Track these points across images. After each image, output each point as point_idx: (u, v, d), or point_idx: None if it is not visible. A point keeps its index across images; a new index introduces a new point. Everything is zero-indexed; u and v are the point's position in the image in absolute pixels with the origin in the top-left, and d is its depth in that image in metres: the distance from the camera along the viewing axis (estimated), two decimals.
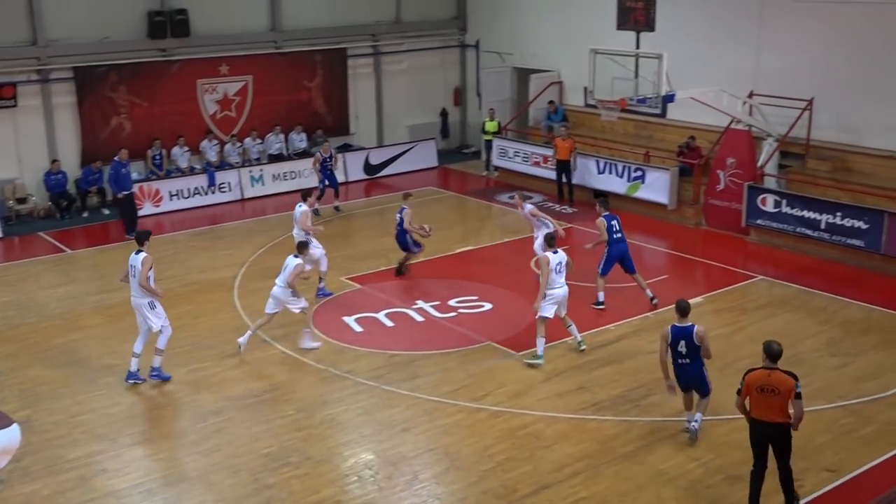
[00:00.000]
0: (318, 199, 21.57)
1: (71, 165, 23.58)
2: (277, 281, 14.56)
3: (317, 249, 16.86)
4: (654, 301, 16.40)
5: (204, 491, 11.04)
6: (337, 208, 23.25)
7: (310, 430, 12.36)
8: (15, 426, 12.33)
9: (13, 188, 22.97)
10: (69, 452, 11.91)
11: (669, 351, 11.42)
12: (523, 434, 12.13)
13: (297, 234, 16.88)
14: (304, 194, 17.50)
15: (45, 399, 13.37)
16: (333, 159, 23.31)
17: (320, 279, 17.16)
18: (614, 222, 16.35)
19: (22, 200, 23.02)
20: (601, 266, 16.36)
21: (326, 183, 23.13)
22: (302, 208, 17.06)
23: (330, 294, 17.16)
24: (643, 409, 12.72)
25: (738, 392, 10.00)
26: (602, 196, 17.65)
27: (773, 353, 9.89)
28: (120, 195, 21.22)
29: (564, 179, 23.51)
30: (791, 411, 9.79)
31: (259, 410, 12.92)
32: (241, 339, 14.69)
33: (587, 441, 11.91)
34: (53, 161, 23.14)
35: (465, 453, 11.70)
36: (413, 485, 11.09)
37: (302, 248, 14.87)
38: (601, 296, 16.46)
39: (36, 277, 18.92)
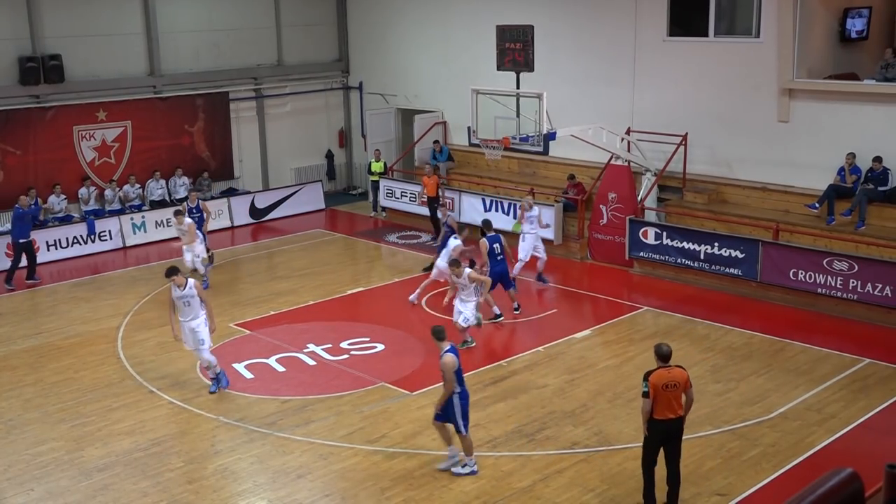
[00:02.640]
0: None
1: None
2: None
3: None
4: (517, 310, 17.81)
5: None
6: (210, 258, 21.24)
7: (201, 482, 12.02)
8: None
9: None
10: None
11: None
12: (420, 474, 12.07)
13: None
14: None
15: None
16: (203, 210, 21.46)
17: None
18: (496, 245, 17.04)
19: None
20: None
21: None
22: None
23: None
24: (538, 443, 12.83)
25: (645, 394, 10.41)
26: (485, 220, 18.37)
27: (663, 354, 10.61)
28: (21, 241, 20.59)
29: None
30: (683, 401, 10.56)
31: (147, 464, 12.50)
32: None
33: (484, 478, 11.92)
34: None
35: (361, 497, 11.57)
36: None
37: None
38: (496, 309, 17.34)
39: None
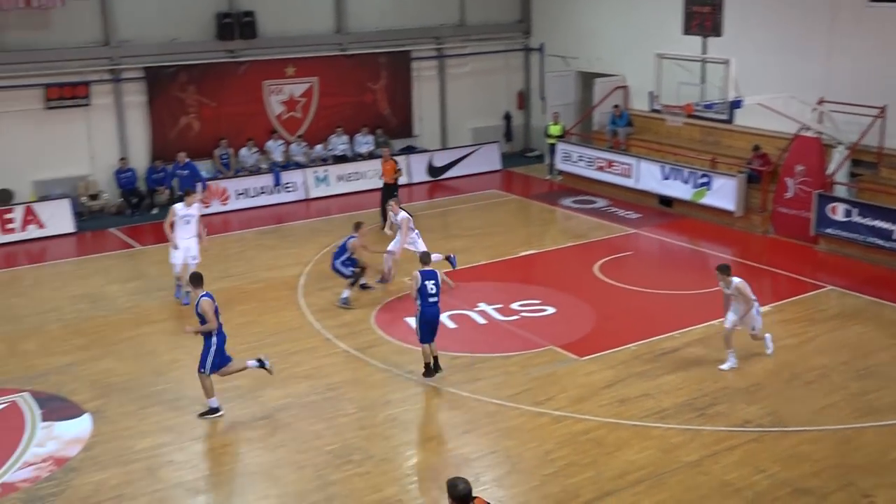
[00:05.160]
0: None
1: (141, 163, 24.06)
2: None
3: None
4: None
5: (268, 485, 11.17)
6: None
7: (372, 429, 12.44)
8: (86, 416, 12.68)
9: (86, 185, 23.52)
10: (137, 443, 12.14)
11: None
12: (585, 440, 12.07)
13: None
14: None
15: (116, 391, 13.65)
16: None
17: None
18: (430, 282, 13.52)
19: (94, 197, 23.56)
20: (418, 334, 13.77)
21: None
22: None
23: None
24: (709, 418, 12.56)
25: None
26: (423, 253, 14.70)
27: (457, 496, 7.76)
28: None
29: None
30: None
31: (322, 408, 13.03)
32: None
33: (650, 449, 11.79)
34: (121, 159, 23.64)
35: (526, 457, 11.68)
36: (475, 486, 11.04)
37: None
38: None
39: (106, 272, 19.33)
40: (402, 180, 24.46)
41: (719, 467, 11.32)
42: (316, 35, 26.17)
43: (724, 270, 14.05)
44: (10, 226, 21.53)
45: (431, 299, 13.48)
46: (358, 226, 17.08)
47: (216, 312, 12.52)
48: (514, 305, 16.71)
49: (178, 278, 17.11)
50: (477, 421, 12.62)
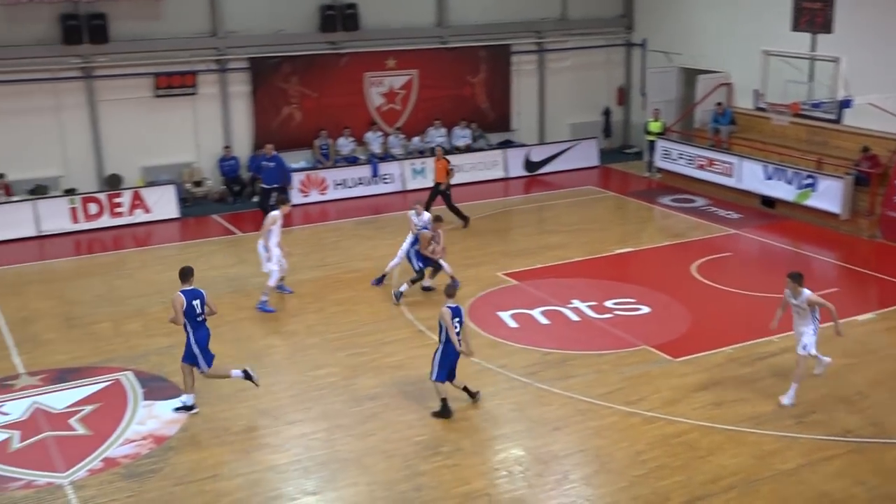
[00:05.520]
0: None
1: (244, 152, 24.60)
2: None
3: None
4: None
5: (357, 473, 11.32)
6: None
7: (463, 422, 12.48)
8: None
9: (190, 172, 24.18)
10: (234, 425, 12.44)
11: None
12: (677, 442, 11.88)
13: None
14: None
15: None
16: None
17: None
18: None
19: (198, 183, 24.20)
20: (436, 372, 12.69)
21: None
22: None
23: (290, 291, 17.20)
24: (807, 425, 12.22)
25: None
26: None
27: None
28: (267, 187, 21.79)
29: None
30: None
31: (414, 398, 13.13)
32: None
33: (744, 454, 11.55)
34: (225, 147, 24.22)
35: (616, 457, 11.57)
36: (562, 484, 11.04)
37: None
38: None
39: (208, 257, 19.84)
40: (498, 174, 24.49)
41: (816, 477, 11.02)
42: (417, 28, 26.34)
43: (797, 279, 12.65)
44: (118, 209, 22.29)
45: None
46: (437, 219, 17.16)
47: (186, 311, 12.39)
48: (609, 303, 16.55)
49: (282, 279, 17.12)
50: (567, 418, 12.55)
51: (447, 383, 12.64)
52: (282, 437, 12.21)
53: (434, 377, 12.56)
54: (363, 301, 16.97)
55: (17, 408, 12.99)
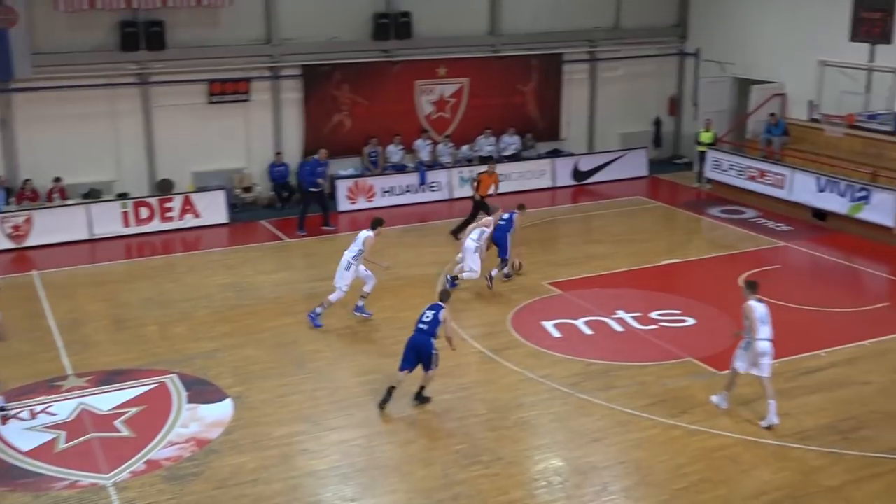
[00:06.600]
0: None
1: (293, 159, 24.83)
2: None
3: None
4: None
5: (397, 480, 11.36)
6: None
7: (502, 431, 12.46)
8: (228, 401, 13.19)
9: (241, 177, 24.46)
10: (275, 430, 12.54)
11: None
12: (720, 456, 11.74)
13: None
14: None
15: (257, 378, 14.14)
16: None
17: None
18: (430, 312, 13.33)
19: (248, 189, 24.46)
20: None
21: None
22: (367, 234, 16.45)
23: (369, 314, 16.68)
24: (853, 442, 11.99)
25: None
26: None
27: None
28: (312, 190, 22.10)
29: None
30: None
31: (454, 407, 13.13)
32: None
33: (788, 470, 11.36)
34: (277, 153, 24.48)
35: (657, 469, 11.45)
36: (601, 496, 10.96)
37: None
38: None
39: (255, 262, 20.05)
40: (546, 183, 24.39)
41: (862, 494, 10.81)
42: (469, 36, 26.38)
43: (749, 286, 12.76)
44: (168, 214, 22.60)
45: (421, 325, 13.15)
46: (521, 207, 18.38)
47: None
48: (654, 315, 16.40)
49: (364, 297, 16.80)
50: (608, 429, 12.46)
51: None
52: (322, 442, 12.28)
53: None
54: (407, 308, 16.90)
55: (65, 409, 13.24)
